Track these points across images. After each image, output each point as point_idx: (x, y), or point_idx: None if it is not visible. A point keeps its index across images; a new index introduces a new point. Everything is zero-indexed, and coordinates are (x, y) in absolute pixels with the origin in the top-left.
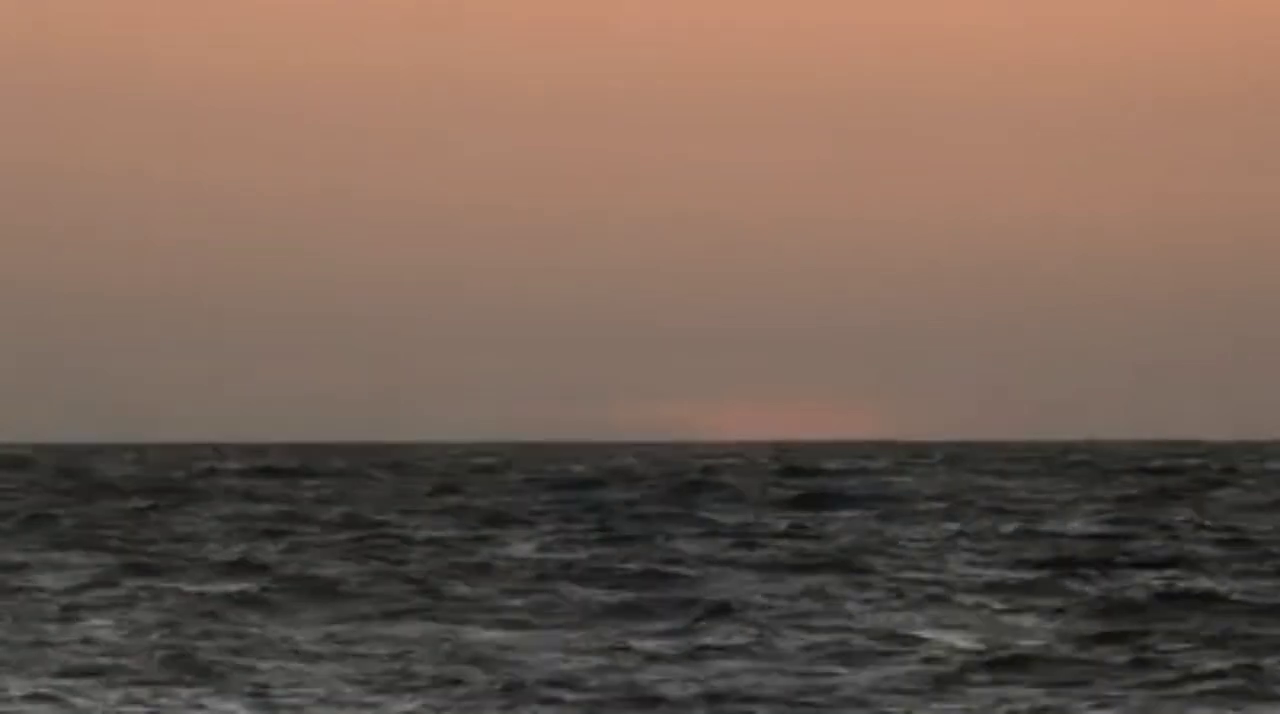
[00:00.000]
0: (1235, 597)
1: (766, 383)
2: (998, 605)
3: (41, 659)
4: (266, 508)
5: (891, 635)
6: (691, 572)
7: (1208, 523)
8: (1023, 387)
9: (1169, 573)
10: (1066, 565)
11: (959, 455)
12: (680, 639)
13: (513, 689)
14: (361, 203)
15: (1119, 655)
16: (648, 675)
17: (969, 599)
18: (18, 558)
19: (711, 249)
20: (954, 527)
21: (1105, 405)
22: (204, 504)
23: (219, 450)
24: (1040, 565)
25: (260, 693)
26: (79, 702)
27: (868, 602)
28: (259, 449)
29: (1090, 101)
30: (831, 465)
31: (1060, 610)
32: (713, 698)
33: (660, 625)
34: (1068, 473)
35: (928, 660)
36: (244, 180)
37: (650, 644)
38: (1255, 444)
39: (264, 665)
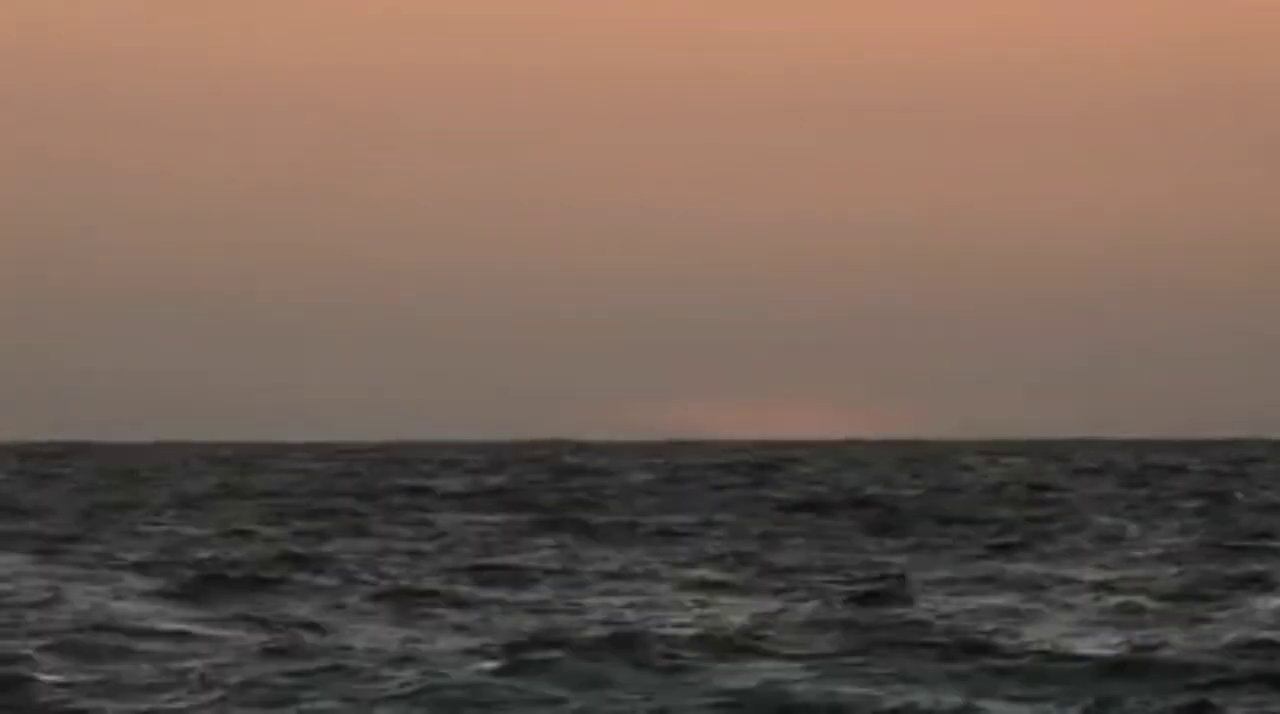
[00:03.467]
0: None
1: (766, 384)
2: None
3: None
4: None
5: None
6: None
7: None
8: (1026, 383)
9: None
10: None
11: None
12: None
13: None
14: (358, 201)
15: None
16: None
17: None
18: None
19: (705, 248)
20: None
21: (1107, 402)
22: None
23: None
24: None
25: None
26: None
27: None
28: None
29: (1096, 98)
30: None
31: None
32: None
33: None
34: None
35: None
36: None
37: None
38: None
39: None
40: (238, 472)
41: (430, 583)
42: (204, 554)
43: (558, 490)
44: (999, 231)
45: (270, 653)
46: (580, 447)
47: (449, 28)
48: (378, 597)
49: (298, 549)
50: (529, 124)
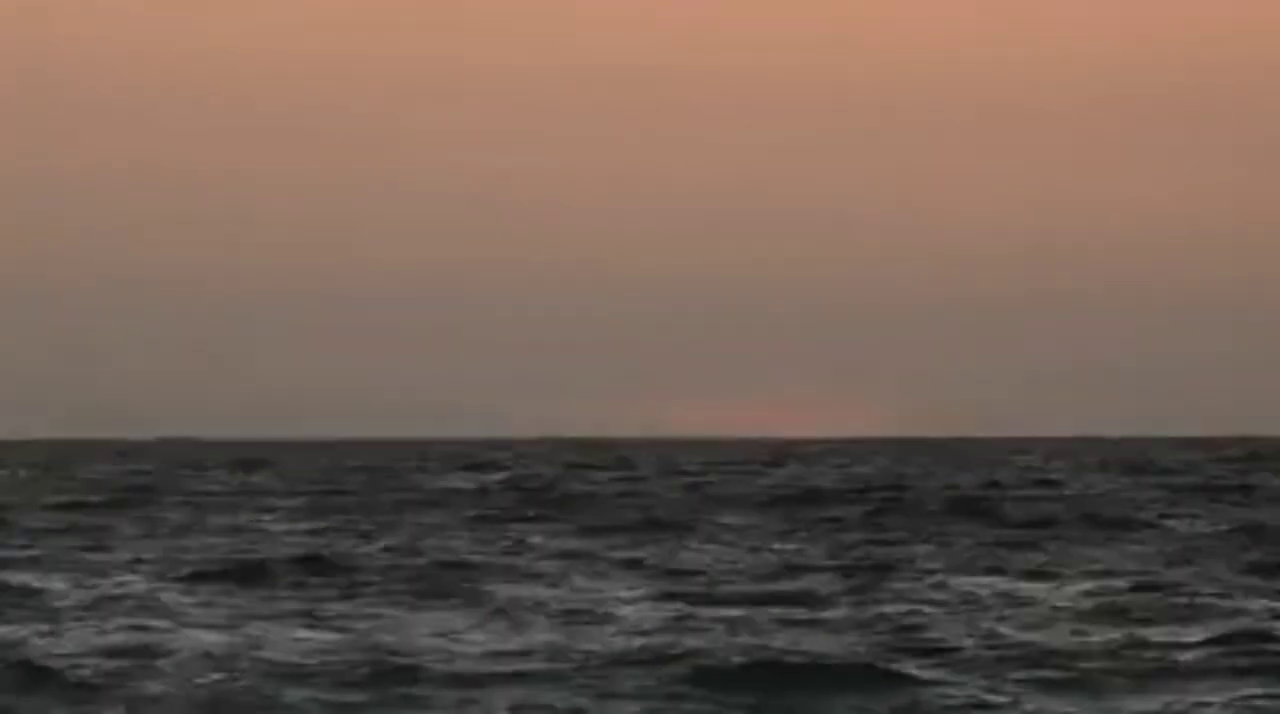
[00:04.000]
0: None
1: (771, 382)
2: None
3: None
4: None
5: None
6: None
7: None
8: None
9: None
10: None
11: None
12: None
13: None
14: (361, 200)
15: None
16: None
17: None
18: None
19: (709, 247)
20: None
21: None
22: None
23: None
24: None
25: None
26: None
27: None
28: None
29: (1101, 94)
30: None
31: None
32: None
33: None
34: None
35: None
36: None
37: None
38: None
39: None
40: (241, 467)
41: (455, 576)
42: (227, 548)
43: (584, 488)
44: (999, 230)
45: (310, 644)
46: (591, 444)
47: (461, 25)
48: (409, 589)
49: (322, 542)
50: (529, 123)
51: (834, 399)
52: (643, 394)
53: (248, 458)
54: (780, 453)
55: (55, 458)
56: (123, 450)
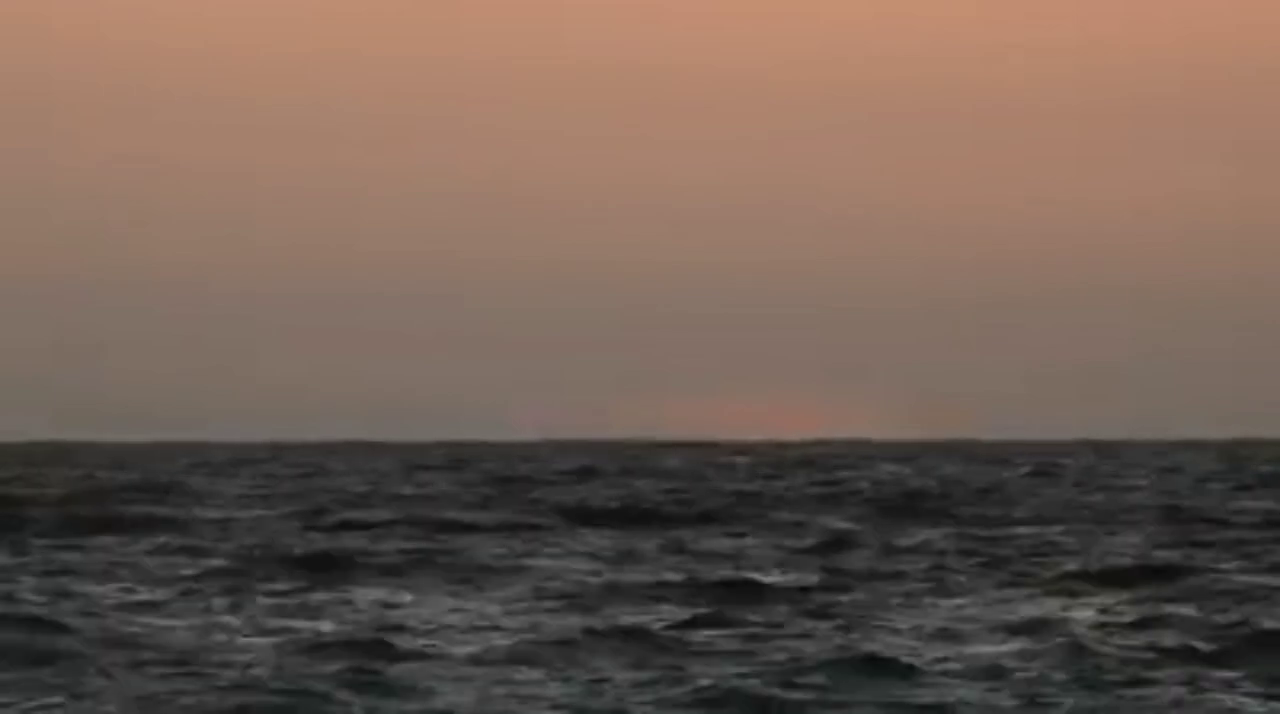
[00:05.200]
0: None
1: (771, 381)
2: None
3: None
4: None
5: None
6: None
7: None
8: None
9: None
10: None
11: None
12: None
13: None
14: (363, 197)
15: None
16: None
17: None
18: None
19: (715, 244)
20: None
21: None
22: None
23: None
24: None
25: None
26: None
27: None
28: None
29: (1103, 97)
30: None
31: None
32: None
33: None
34: None
35: None
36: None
37: None
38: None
39: None
40: (249, 465)
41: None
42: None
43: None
44: (999, 230)
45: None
46: (592, 444)
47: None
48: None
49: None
50: (529, 122)
51: (834, 399)
52: (642, 394)
53: (252, 457)
54: (782, 455)
55: (54, 458)
56: (123, 450)
